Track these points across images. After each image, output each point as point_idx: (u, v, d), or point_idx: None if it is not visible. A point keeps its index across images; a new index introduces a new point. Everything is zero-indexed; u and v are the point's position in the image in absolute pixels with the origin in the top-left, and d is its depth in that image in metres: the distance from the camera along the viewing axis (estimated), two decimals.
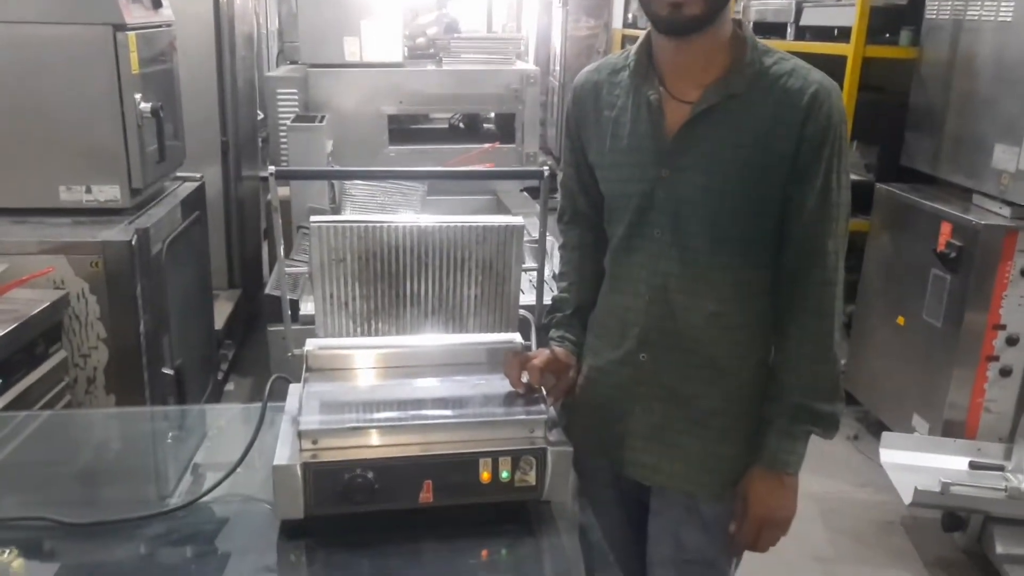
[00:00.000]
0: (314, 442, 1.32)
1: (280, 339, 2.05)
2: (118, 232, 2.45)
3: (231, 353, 3.94)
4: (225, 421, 1.88)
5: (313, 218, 1.52)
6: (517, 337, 1.60)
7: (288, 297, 2.06)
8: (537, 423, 1.38)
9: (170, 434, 1.86)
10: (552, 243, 2.48)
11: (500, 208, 3.43)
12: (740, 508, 1.48)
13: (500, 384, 1.45)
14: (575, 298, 1.63)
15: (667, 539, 1.53)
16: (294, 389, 1.49)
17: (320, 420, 1.34)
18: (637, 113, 1.45)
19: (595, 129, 1.51)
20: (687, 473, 1.49)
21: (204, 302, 3.36)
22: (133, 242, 2.42)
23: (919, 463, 2.82)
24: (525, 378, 1.43)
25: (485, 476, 1.35)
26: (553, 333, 1.62)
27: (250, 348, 4.18)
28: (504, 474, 1.35)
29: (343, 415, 1.37)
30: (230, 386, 3.82)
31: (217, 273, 4.01)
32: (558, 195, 1.71)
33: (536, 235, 1.67)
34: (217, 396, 3.41)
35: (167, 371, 2.61)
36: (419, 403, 1.44)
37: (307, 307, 2.17)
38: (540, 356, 1.47)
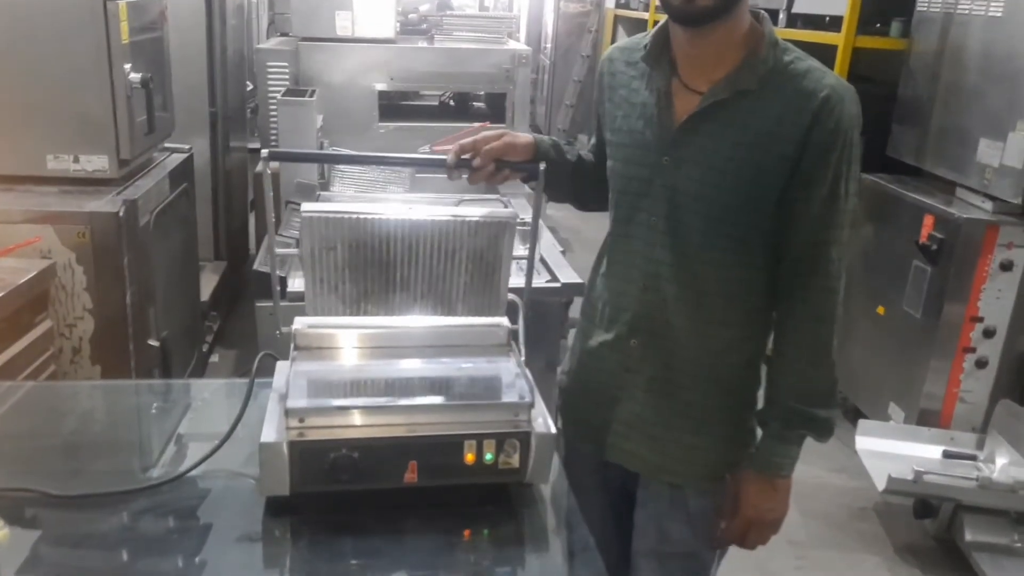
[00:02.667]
0: (301, 420, 1.34)
1: (268, 315, 2.07)
2: (106, 203, 2.45)
3: (216, 325, 3.94)
4: (210, 395, 1.90)
5: (304, 207, 1.53)
6: (504, 321, 1.62)
7: (277, 274, 2.08)
8: (522, 407, 1.40)
9: (155, 406, 1.88)
10: (542, 227, 2.50)
11: (489, 188, 3.43)
12: (729, 506, 1.51)
13: (487, 367, 1.48)
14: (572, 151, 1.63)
15: (652, 530, 1.55)
16: (281, 367, 1.51)
17: (308, 399, 1.36)
18: (648, 98, 1.45)
19: (611, 106, 1.52)
20: (669, 464, 1.52)
21: (190, 274, 3.36)
22: (121, 213, 2.41)
23: (894, 451, 2.87)
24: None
25: (469, 458, 1.37)
26: None
27: (235, 320, 4.18)
28: (488, 456, 1.37)
29: (330, 395, 1.38)
30: (215, 358, 3.82)
31: (203, 244, 4.00)
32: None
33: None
34: (202, 368, 3.42)
35: (153, 343, 2.61)
36: (406, 384, 1.47)
37: (295, 284, 2.17)
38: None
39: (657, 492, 1.54)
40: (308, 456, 1.32)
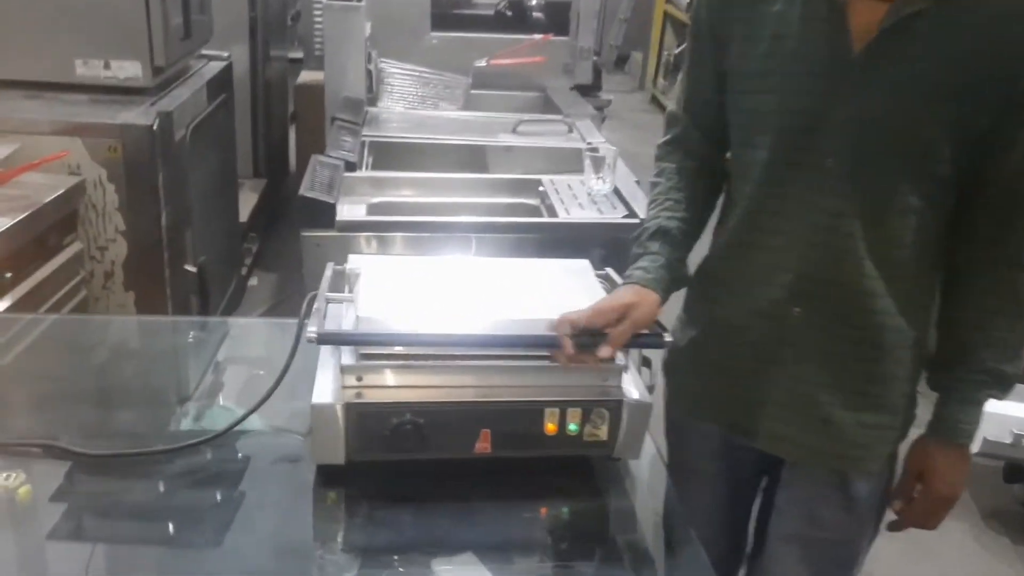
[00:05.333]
0: (359, 379, 1.15)
1: (315, 247, 1.87)
2: (139, 115, 2.24)
3: (255, 247, 3.77)
4: (250, 334, 1.72)
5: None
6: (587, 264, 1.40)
7: (322, 198, 1.88)
8: (613, 371, 1.20)
9: (192, 341, 1.71)
10: (616, 155, 2.25)
11: (548, 107, 3.18)
12: (908, 485, 1.31)
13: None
14: (660, 218, 1.37)
15: (798, 513, 1.34)
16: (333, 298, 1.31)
17: (365, 355, 1.17)
18: (810, 11, 1.20)
19: (745, 27, 1.25)
20: (836, 447, 1.29)
21: (229, 193, 3.17)
22: (155, 126, 2.21)
23: (991, 410, 2.64)
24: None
25: (550, 428, 1.18)
26: (629, 267, 1.36)
27: (275, 241, 4.01)
28: (572, 427, 1.18)
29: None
30: (254, 281, 3.67)
31: (242, 160, 3.80)
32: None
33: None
34: (240, 294, 3.26)
35: (190, 268, 2.44)
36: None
37: (345, 211, 1.97)
38: (581, 313, 1.19)
39: (809, 474, 1.32)
40: (367, 421, 1.14)
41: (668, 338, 1.24)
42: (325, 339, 1.12)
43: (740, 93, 1.28)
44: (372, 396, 1.15)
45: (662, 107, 6.77)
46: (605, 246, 1.91)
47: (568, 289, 1.31)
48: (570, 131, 2.73)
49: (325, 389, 1.16)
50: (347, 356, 1.18)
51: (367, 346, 1.16)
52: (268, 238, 4.01)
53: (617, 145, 2.39)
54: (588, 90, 3.37)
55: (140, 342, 1.74)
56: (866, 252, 1.20)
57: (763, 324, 1.27)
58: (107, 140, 2.17)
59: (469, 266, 1.37)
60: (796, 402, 1.28)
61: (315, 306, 1.23)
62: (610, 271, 1.41)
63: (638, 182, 2.26)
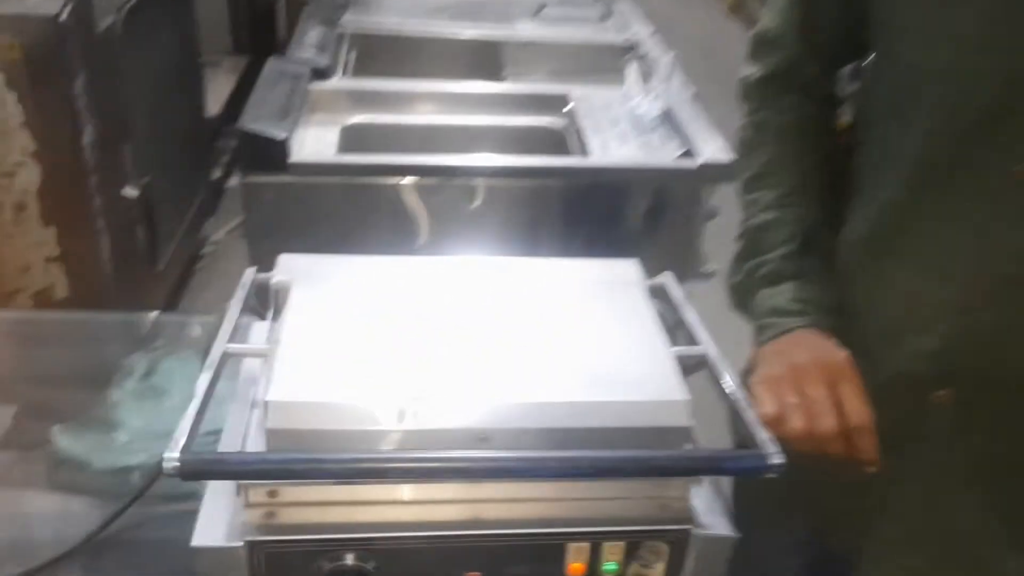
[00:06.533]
0: (271, 494, 0.72)
1: (260, 197, 1.40)
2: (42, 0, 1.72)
3: (234, 143, 3.26)
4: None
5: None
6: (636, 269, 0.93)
7: (268, 132, 1.39)
8: (674, 483, 0.76)
9: None
10: (672, 64, 1.69)
11: None
12: None
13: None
14: (797, 219, 0.89)
15: None
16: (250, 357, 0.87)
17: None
18: None
19: None
20: None
21: (190, 85, 2.65)
22: (63, 17, 1.69)
23: None
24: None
25: (576, 569, 0.76)
26: (772, 300, 0.87)
27: None
28: (610, 566, 0.76)
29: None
30: (233, 181, 3.18)
31: (216, 33, 3.25)
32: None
33: None
34: (214, 199, 2.79)
35: (130, 192, 1.98)
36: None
37: (303, 146, 1.48)
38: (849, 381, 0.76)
39: None
40: (283, 568, 0.72)
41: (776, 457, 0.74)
42: (193, 472, 0.66)
43: (913, 39, 0.78)
44: (292, 522, 0.72)
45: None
46: (653, 198, 1.43)
47: (613, 313, 0.85)
48: (606, 18, 2.17)
49: (216, 517, 0.72)
50: (254, 456, 0.74)
51: (272, 480, 0.71)
52: None
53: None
54: None
55: None
56: None
57: (892, 404, 0.80)
58: (1, 36, 1.66)
59: (460, 277, 0.90)
60: (931, 527, 0.84)
61: (207, 363, 0.78)
62: (668, 280, 0.94)
63: (696, 94, 1.72)
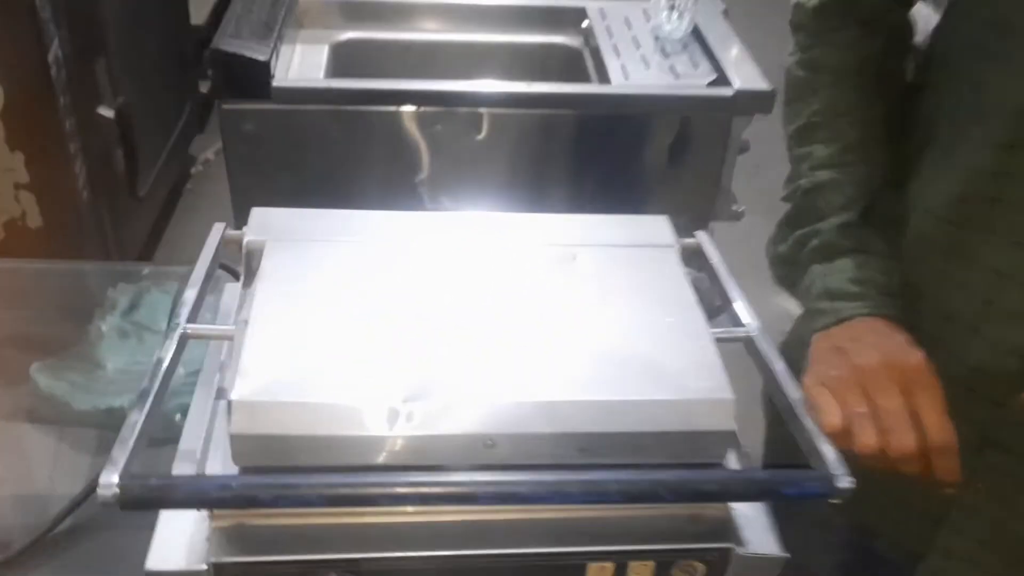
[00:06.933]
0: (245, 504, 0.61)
1: (239, 128, 1.25)
2: None
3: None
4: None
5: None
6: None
7: (247, 53, 1.24)
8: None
9: None
10: None
11: None
12: None
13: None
14: (858, 181, 0.76)
15: None
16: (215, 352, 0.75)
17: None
18: None
19: None
20: None
21: None
22: None
23: None
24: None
25: None
26: (826, 279, 0.74)
27: None
28: None
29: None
30: None
31: None
32: None
33: None
34: (202, 116, 2.62)
35: (105, 112, 1.82)
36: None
37: (289, 68, 1.32)
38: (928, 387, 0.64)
39: None
40: None
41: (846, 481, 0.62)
42: (135, 501, 0.54)
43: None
44: (265, 539, 0.61)
45: None
46: (680, 129, 1.28)
47: (642, 288, 0.72)
48: None
49: (175, 534, 0.61)
50: (218, 458, 0.63)
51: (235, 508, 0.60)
52: None
53: None
54: None
55: None
56: None
57: (959, 399, 0.67)
58: None
59: (463, 240, 0.76)
60: (1004, 538, 0.73)
61: (158, 355, 0.66)
62: (704, 240, 0.81)
63: (726, 12, 1.54)
